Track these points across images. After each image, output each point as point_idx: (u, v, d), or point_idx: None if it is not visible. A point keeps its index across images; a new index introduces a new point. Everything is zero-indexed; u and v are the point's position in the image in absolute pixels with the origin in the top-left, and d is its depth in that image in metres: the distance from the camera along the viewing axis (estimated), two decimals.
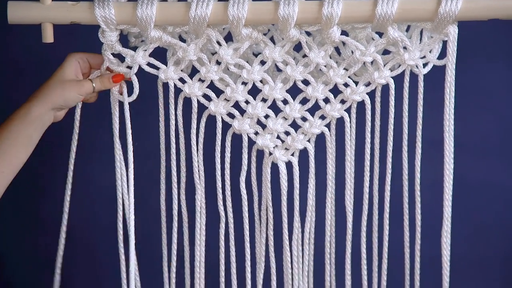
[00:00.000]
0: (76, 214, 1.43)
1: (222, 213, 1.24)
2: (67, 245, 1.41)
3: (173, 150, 1.23)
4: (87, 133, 1.31)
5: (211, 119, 1.20)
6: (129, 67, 1.17)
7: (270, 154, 1.22)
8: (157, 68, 1.18)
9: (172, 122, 1.21)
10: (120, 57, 1.17)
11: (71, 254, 1.45)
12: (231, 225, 1.25)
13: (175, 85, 1.19)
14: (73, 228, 1.44)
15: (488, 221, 1.47)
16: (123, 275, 1.24)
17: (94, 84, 1.15)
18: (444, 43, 1.15)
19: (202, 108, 1.20)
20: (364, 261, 1.27)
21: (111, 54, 1.16)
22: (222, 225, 1.25)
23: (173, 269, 1.27)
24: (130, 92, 1.18)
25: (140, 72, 1.17)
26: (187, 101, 1.19)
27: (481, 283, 1.51)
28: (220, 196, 1.23)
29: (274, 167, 1.23)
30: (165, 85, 1.19)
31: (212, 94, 1.19)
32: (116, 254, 1.24)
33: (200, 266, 1.27)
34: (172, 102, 1.20)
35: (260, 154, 1.23)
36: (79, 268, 1.51)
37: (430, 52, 1.17)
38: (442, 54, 1.16)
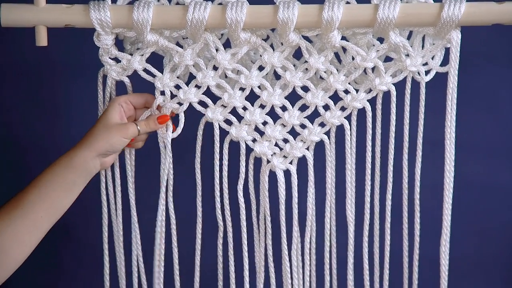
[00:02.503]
0: (75, 214, 1.41)
1: (220, 222, 1.22)
2: (67, 245, 1.39)
3: (169, 160, 1.20)
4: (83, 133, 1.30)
5: (208, 126, 1.18)
6: (124, 69, 1.15)
7: (268, 162, 1.19)
8: (154, 76, 1.15)
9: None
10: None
11: (71, 254, 1.44)
12: (230, 234, 1.23)
13: (171, 92, 1.16)
14: (73, 228, 1.42)
15: (490, 221, 1.46)
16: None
17: (139, 127, 1.14)
18: (447, 50, 1.13)
19: (198, 115, 1.18)
20: (366, 272, 1.24)
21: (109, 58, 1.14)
22: (220, 234, 1.22)
23: (177, 277, 1.25)
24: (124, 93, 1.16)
25: (137, 76, 1.16)
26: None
27: (483, 283, 1.49)
28: (218, 204, 1.21)
29: (273, 175, 1.20)
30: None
31: (208, 101, 1.16)
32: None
33: (196, 276, 1.25)
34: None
35: (258, 162, 1.20)
36: (80, 267, 1.50)
37: (432, 59, 1.15)
38: (444, 60, 1.15)
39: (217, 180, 1.20)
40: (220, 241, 1.23)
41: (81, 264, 1.48)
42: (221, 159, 1.19)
